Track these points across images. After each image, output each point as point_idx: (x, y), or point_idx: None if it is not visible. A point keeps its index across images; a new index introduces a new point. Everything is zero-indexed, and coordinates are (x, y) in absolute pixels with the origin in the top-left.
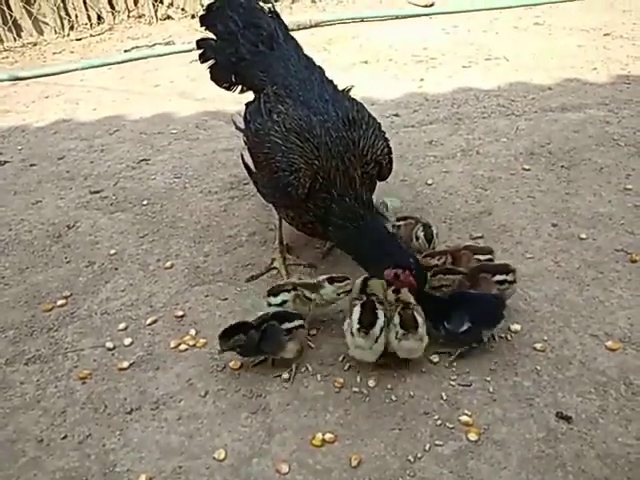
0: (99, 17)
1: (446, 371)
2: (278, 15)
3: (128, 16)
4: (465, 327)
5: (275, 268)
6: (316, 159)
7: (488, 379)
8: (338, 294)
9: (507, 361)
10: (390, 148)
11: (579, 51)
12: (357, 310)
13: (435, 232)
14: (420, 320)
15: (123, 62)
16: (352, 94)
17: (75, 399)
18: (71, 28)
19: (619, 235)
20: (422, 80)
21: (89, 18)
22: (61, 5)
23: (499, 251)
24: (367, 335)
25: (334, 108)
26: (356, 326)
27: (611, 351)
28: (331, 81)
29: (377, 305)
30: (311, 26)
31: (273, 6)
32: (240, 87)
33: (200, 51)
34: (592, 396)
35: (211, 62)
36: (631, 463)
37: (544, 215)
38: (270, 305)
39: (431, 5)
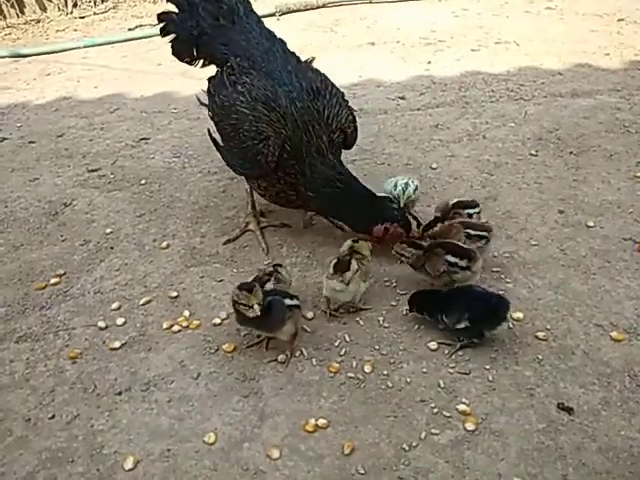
0: None
1: (444, 358)
2: None
3: None
4: (462, 325)
5: (250, 230)
6: (283, 128)
7: (488, 367)
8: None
9: (508, 349)
10: (354, 117)
11: (592, 36)
12: (334, 261)
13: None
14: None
15: (126, 41)
16: (359, 73)
17: (65, 378)
18: (75, 6)
19: (627, 224)
20: (430, 63)
21: None
22: None
23: (504, 237)
24: (340, 277)
25: (297, 79)
26: (331, 271)
27: (616, 342)
28: (293, 53)
29: (353, 260)
30: (319, 6)
31: None
32: (202, 61)
33: (161, 25)
34: (595, 387)
35: (172, 36)
36: (633, 457)
37: (551, 202)
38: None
39: None
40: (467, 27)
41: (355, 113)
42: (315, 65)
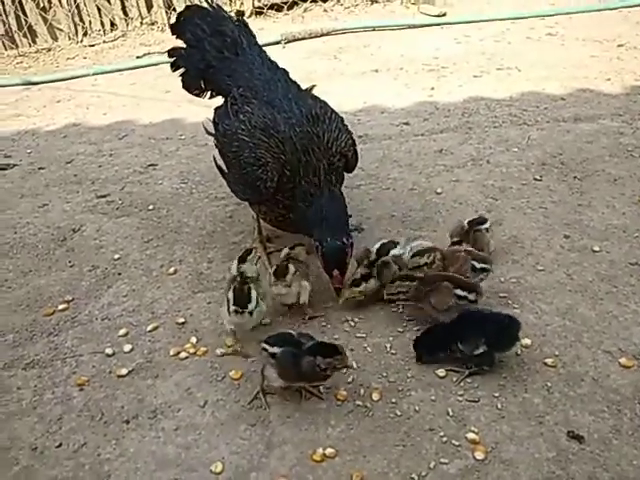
0: (112, 24)
1: (453, 386)
2: (245, 24)
3: (141, 23)
4: (481, 350)
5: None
6: (282, 153)
7: (496, 395)
8: (255, 263)
9: (516, 376)
10: (354, 141)
11: (592, 62)
12: (273, 269)
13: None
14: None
15: (134, 68)
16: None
17: (72, 406)
18: (85, 34)
19: (633, 248)
20: (433, 89)
21: (102, 24)
22: (75, 11)
23: (510, 262)
24: (282, 281)
25: (297, 106)
26: (272, 278)
27: (625, 368)
28: (294, 82)
29: (290, 264)
30: (322, 34)
31: (242, 14)
32: (210, 93)
33: (172, 60)
34: (605, 415)
35: (182, 70)
36: None
37: (556, 226)
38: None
39: (443, 15)
40: (469, 53)
41: (359, 139)
42: (319, 92)
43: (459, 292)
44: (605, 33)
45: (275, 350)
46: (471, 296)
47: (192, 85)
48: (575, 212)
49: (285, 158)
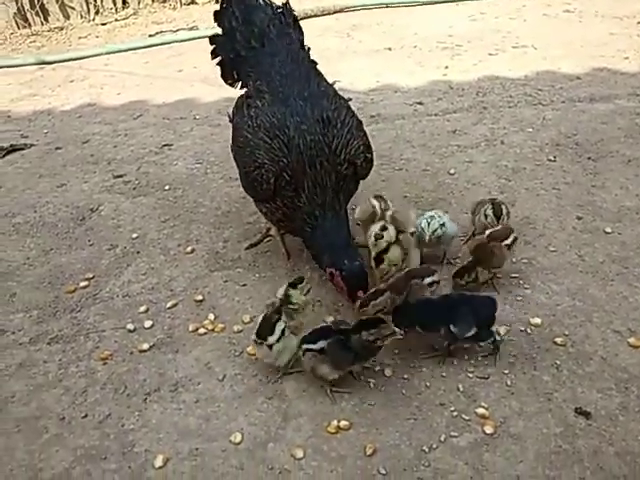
0: (124, 2)
1: (463, 363)
2: (289, 11)
3: (153, 1)
4: (472, 332)
5: (271, 236)
6: (284, 157)
7: (506, 372)
8: (305, 294)
9: (526, 355)
10: (368, 146)
11: (611, 39)
12: (259, 318)
13: (505, 210)
14: (278, 329)
15: (147, 47)
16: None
17: (96, 379)
18: (97, 13)
19: None
20: (447, 68)
21: (114, 3)
22: None
23: (522, 243)
24: (262, 345)
25: (311, 107)
26: (254, 336)
27: (634, 348)
28: (318, 74)
29: (281, 319)
30: (335, 12)
31: (287, 1)
32: (240, 83)
33: (212, 47)
34: (613, 392)
35: (219, 59)
36: None
37: (569, 208)
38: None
39: None
40: (484, 31)
41: (372, 119)
42: (333, 71)
43: (427, 280)
44: (624, 9)
45: (322, 344)
46: (436, 277)
47: (226, 74)
48: (588, 193)
49: (286, 162)
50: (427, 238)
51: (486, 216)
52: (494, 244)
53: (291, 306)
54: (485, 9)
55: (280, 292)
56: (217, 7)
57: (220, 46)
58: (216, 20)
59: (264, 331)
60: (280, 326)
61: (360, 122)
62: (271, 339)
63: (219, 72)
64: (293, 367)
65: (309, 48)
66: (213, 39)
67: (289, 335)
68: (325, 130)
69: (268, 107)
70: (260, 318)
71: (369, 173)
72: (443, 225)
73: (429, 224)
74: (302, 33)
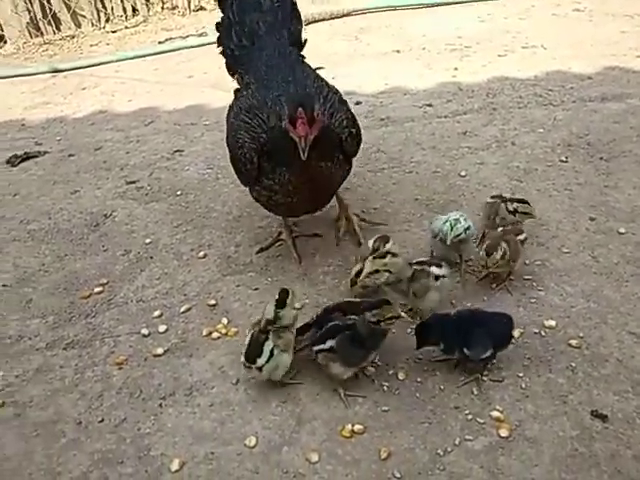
0: (134, 9)
1: (477, 367)
2: (289, 3)
3: (162, 8)
4: (488, 354)
5: (282, 240)
6: (263, 132)
7: (521, 375)
8: (294, 307)
9: (541, 357)
10: (352, 121)
11: (622, 37)
12: (247, 339)
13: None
14: (266, 350)
15: (157, 54)
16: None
17: (111, 384)
18: (107, 20)
19: None
20: (456, 69)
21: (124, 10)
22: None
23: (535, 244)
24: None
25: (294, 86)
26: (242, 359)
27: None
28: (306, 66)
29: (269, 339)
30: (343, 15)
31: None
32: (236, 78)
33: (217, 35)
34: (629, 395)
35: (220, 49)
36: None
37: (581, 208)
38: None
39: None
40: (493, 32)
41: (381, 121)
42: (341, 74)
43: (435, 271)
44: (636, 7)
45: (330, 343)
46: (440, 271)
47: (230, 67)
48: (601, 194)
49: (265, 137)
50: (449, 242)
51: (514, 211)
52: (509, 237)
53: (282, 325)
54: (493, 10)
55: (269, 313)
56: None
57: (222, 36)
58: (220, 6)
59: (252, 353)
60: (269, 346)
61: (344, 101)
62: (260, 361)
63: (224, 62)
64: (293, 378)
65: (306, 40)
66: (218, 26)
67: (279, 352)
68: None
69: (252, 93)
70: (247, 339)
71: (357, 151)
72: (468, 229)
73: (452, 228)
74: (300, 21)
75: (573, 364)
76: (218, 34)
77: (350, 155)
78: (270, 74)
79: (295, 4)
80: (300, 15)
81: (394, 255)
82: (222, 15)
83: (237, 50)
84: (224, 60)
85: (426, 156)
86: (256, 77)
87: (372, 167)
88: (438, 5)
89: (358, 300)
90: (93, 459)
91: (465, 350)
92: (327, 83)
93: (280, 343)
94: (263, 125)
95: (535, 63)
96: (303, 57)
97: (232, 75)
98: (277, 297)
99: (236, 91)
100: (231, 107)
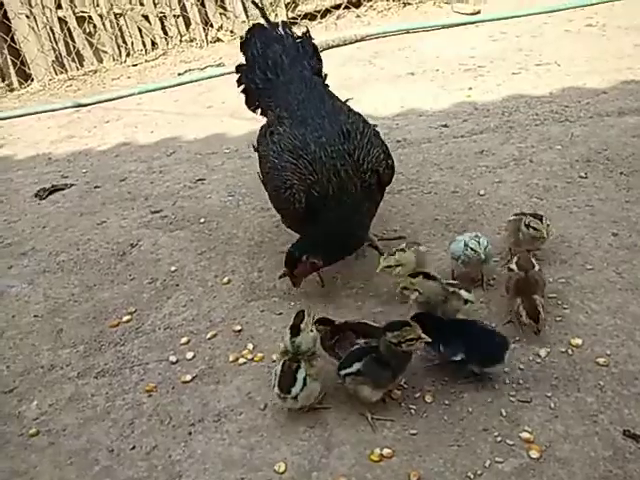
0: (153, 43)
1: (505, 387)
2: (308, 38)
3: (180, 40)
4: (458, 358)
5: None
6: (310, 174)
7: (549, 395)
8: (311, 329)
9: (568, 376)
10: (387, 154)
11: (636, 51)
12: (278, 370)
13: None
14: (300, 378)
15: (177, 85)
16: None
17: (142, 411)
18: (127, 55)
19: None
20: (470, 89)
21: (144, 44)
22: (118, 34)
23: (558, 262)
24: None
25: (329, 123)
26: (276, 390)
27: None
28: (332, 96)
29: (301, 367)
30: (357, 40)
31: (308, 31)
32: (260, 111)
33: (238, 75)
34: None
35: (242, 87)
36: None
37: (603, 224)
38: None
39: (477, 13)
40: (506, 50)
41: (398, 143)
42: (355, 100)
43: (465, 295)
44: None
45: (357, 366)
46: (469, 296)
47: (249, 101)
48: (623, 209)
49: (313, 179)
50: (482, 256)
51: (534, 228)
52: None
53: (302, 352)
54: (506, 29)
55: (287, 344)
56: (242, 40)
57: (244, 75)
58: (241, 50)
59: (285, 383)
60: (302, 374)
61: (377, 132)
62: (294, 390)
63: (244, 99)
64: (320, 403)
65: (326, 75)
66: (238, 68)
67: (312, 380)
68: (345, 141)
69: (289, 131)
70: (277, 368)
71: (391, 180)
72: (486, 247)
73: (479, 243)
74: (320, 61)
75: (602, 382)
76: (239, 74)
77: (383, 186)
78: (302, 108)
79: (315, 45)
80: (320, 55)
81: (431, 278)
82: (245, 57)
83: (262, 83)
84: (245, 96)
85: (444, 176)
86: (289, 111)
87: (390, 188)
88: (450, 27)
89: (374, 324)
90: None
91: (441, 347)
92: (359, 115)
93: (313, 372)
94: (309, 167)
95: (550, 80)
96: (327, 85)
97: (253, 110)
98: (291, 324)
99: (266, 125)
100: (267, 144)
